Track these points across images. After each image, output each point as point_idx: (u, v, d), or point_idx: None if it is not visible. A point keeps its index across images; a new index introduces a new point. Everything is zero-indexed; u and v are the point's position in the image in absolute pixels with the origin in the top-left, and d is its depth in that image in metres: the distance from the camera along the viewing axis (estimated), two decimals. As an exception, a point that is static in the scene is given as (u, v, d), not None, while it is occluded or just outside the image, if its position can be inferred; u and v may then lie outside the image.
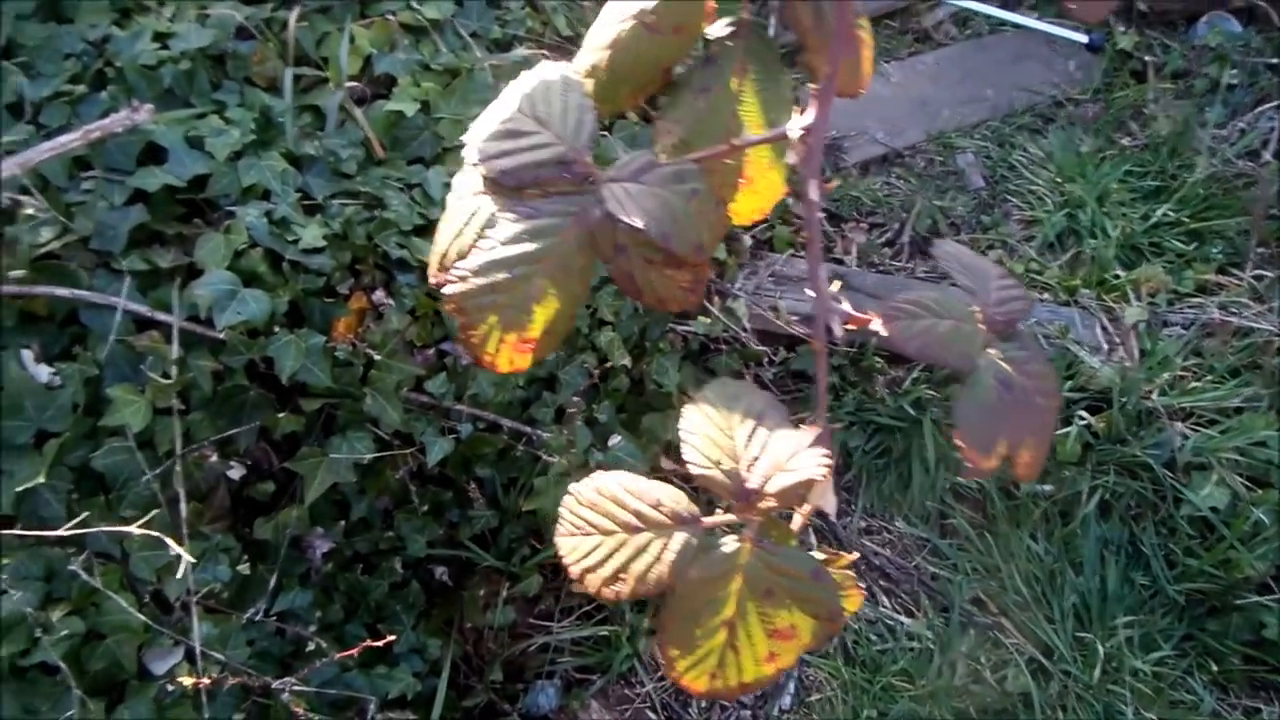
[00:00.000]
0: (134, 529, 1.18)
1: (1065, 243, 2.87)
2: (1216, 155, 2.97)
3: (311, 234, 1.75)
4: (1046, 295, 2.73)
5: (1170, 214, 2.85)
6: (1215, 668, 2.23)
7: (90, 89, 1.82)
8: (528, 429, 1.96)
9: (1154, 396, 2.45)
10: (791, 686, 2.26)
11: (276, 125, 1.90)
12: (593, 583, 0.55)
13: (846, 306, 0.57)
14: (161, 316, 1.64)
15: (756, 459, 0.56)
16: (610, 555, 0.55)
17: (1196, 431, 2.41)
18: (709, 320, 2.28)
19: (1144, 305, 2.63)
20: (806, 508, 0.57)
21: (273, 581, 1.67)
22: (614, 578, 0.54)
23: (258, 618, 1.62)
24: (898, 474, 2.51)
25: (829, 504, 0.58)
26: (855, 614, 2.35)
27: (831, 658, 2.28)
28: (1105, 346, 2.57)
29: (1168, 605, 2.32)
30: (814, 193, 0.53)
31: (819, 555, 0.61)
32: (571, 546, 0.57)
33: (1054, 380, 0.61)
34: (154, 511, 1.58)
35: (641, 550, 0.54)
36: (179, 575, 1.30)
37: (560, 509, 0.58)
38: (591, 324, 2.09)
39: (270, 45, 2.01)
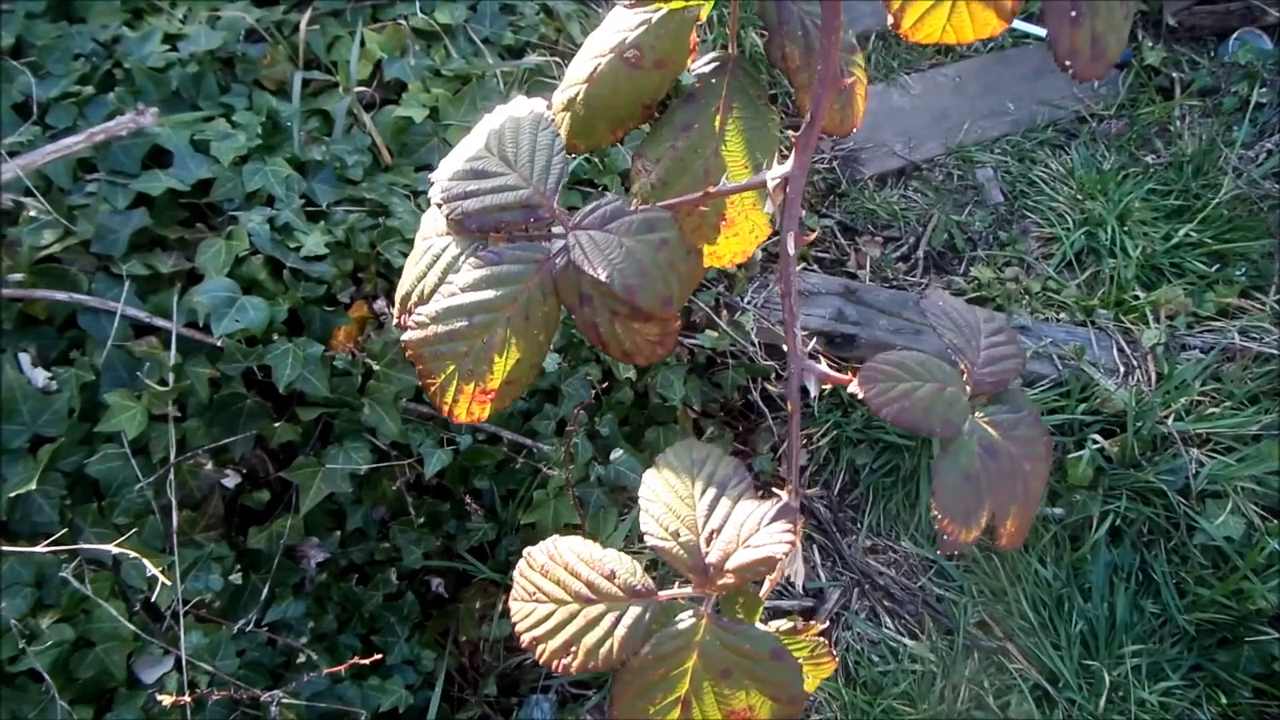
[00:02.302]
0: (112, 547, 1.17)
1: (1084, 261, 2.82)
2: (1242, 175, 2.90)
3: (314, 241, 1.73)
4: (1063, 315, 2.69)
5: (1193, 234, 2.79)
6: (1224, 700, 2.18)
7: (98, 90, 1.81)
8: (528, 441, 1.94)
9: (1170, 421, 2.39)
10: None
11: (284, 130, 1.89)
12: (542, 653, 0.52)
13: (823, 365, 0.54)
14: (160, 322, 1.63)
15: (717, 531, 0.53)
16: (561, 626, 0.52)
17: (1212, 459, 2.36)
18: (716, 334, 2.25)
19: (1163, 327, 2.58)
20: (774, 575, 0.54)
21: (265, 591, 1.65)
22: (564, 650, 0.52)
23: (249, 628, 1.61)
24: (905, 493, 2.47)
25: (797, 574, 0.55)
26: (858, 634, 2.32)
27: (832, 679, 2.24)
28: (1121, 369, 2.52)
29: (1177, 635, 2.27)
30: (791, 247, 0.50)
31: (785, 624, 0.58)
32: (523, 613, 0.54)
33: (1044, 444, 0.58)
34: (147, 519, 1.57)
35: (593, 623, 0.52)
36: (157, 589, 1.29)
37: (514, 572, 0.56)
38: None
39: (280, 48, 2.00)
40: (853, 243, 2.83)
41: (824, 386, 0.55)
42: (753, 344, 2.32)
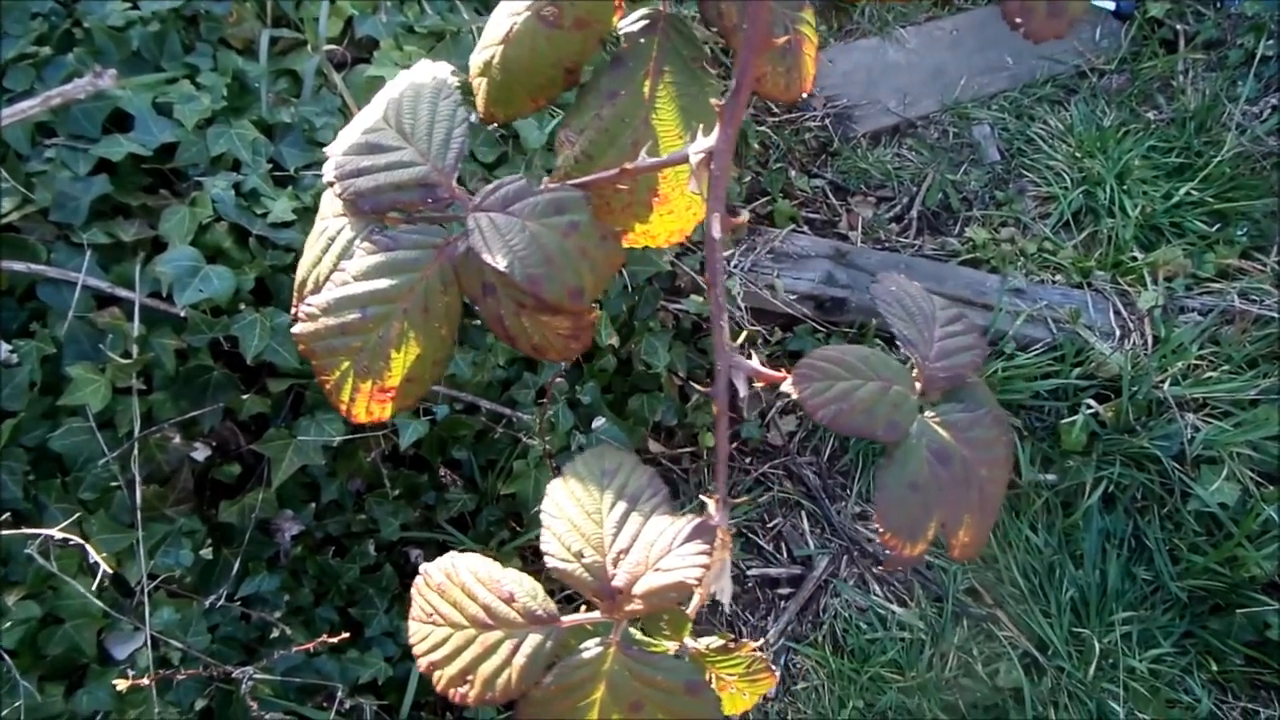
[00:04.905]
0: (55, 531, 1.13)
1: (1082, 221, 2.76)
2: (1246, 132, 2.83)
3: (281, 207, 1.68)
4: (1059, 277, 2.63)
5: (1194, 193, 2.72)
6: (1215, 667, 2.17)
7: (56, 51, 1.74)
8: (507, 410, 1.90)
9: (1166, 386, 2.35)
10: (777, 674, 2.21)
11: (250, 91, 1.82)
12: (439, 680, 0.48)
13: (755, 362, 0.50)
14: (123, 293, 1.58)
15: (625, 552, 0.49)
16: (458, 652, 0.48)
17: (1208, 424, 2.32)
18: (701, 299, 2.20)
19: (1161, 289, 2.53)
20: (702, 592, 0.50)
21: (237, 565, 1.63)
22: (460, 678, 0.47)
23: (221, 603, 1.58)
24: (896, 459, 2.44)
25: (723, 592, 0.51)
26: (846, 601, 2.30)
27: (819, 646, 2.23)
28: (1118, 332, 2.47)
29: (1169, 602, 2.25)
30: (716, 230, 0.46)
31: (716, 642, 0.54)
32: (420, 635, 0.50)
33: (1005, 444, 0.53)
34: (113, 494, 1.54)
35: (490, 650, 0.47)
36: (100, 573, 1.25)
37: (413, 589, 0.52)
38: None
39: (247, 5, 1.93)
40: (844, 203, 2.77)
41: (756, 385, 0.51)
42: (739, 308, 2.27)
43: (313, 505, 1.76)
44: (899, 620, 2.26)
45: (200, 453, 1.64)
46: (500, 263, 0.45)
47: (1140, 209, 2.69)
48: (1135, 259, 2.61)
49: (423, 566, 0.52)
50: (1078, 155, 2.83)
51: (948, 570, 2.32)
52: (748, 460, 2.45)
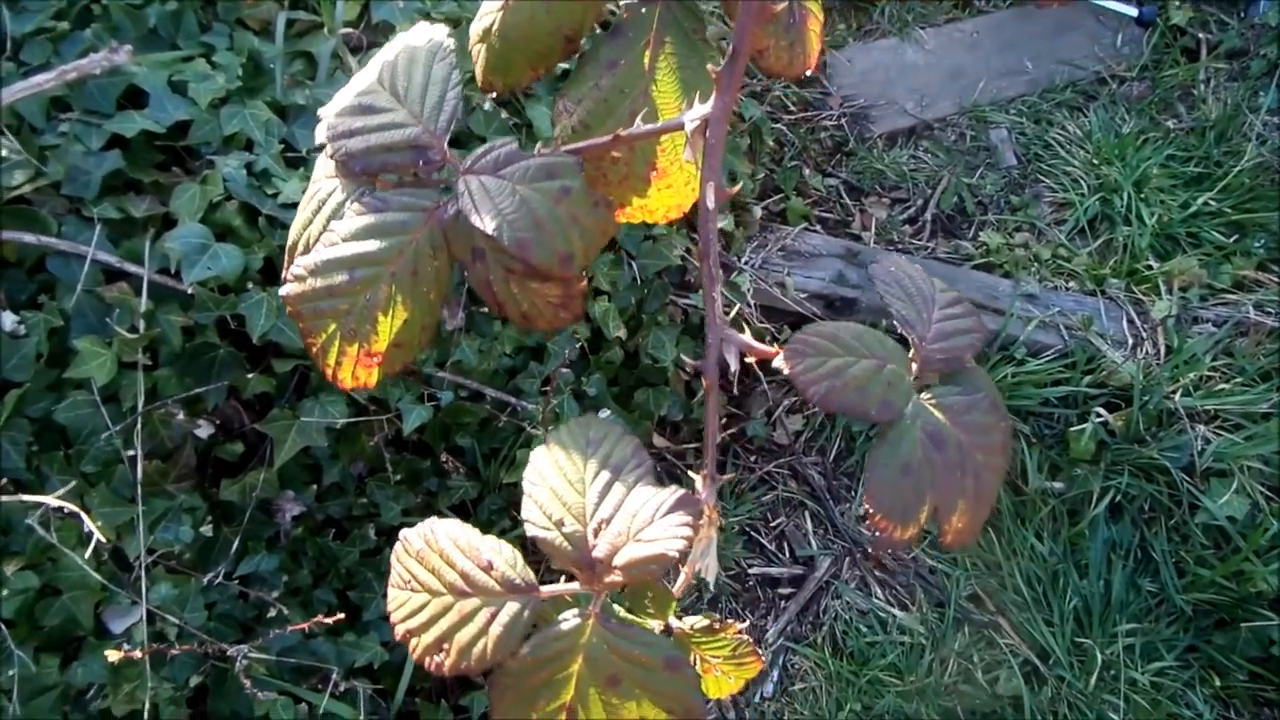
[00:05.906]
0: (51, 499, 1.14)
1: (1097, 229, 2.74)
2: (1266, 143, 2.80)
3: (292, 188, 1.68)
4: (1073, 284, 2.61)
5: (1211, 203, 2.70)
6: (1218, 682, 2.14)
7: (74, 26, 1.75)
8: (512, 399, 1.90)
9: (1177, 397, 2.33)
10: (775, 674, 2.20)
11: (265, 72, 1.83)
12: (416, 648, 0.47)
13: (746, 336, 0.49)
14: (132, 268, 1.58)
15: (606, 522, 0.48)
16: (435, 619, 0.47)
17: (1219, 436, 2.30)
18: (710, 294, 2.19)
19: (1175, 299, 2.50)
20: (686, 569, 0.49)
21: (237, 544, 1.63)
22: (437, 646, 0.47)
23: (219, 581, 1.58)
24: (901, 462, 2.42)
25: (708, 570, 0.50)
26: (847, 603, 2.29)
27: (819, 647, 2.22)
28: (1130, 341, 2.45)
29: (1174, 614, 2.23)
30: (711, 199, 0.45)
31: (701, 622, 0.53)
32: (398, 602, 0.49)
33: (1002, 431, 0.51)
34: (115, 468, 1.54)
35: (467, 618, 0.47)
36: (92, 545, 1.25)
37: (392, 555, 0.51)
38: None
39: (265, -13, 1.93)
40: (858, 203, 2.76)
41: (748, 359, 0.50)
42: (749, 305, 2.26)
43: (314, 487, 1.76)
44: (900, 624, 2.25)
45: (204, 430, 1.65)
46: (489, 226, 0.45)
47: (1157, 218, 2.66)
48: (1150, 268, 2.58)
49: (403, 533, 0.51)
50: (1095, 162, 2.81)
51: (950, 575, 2.30)
52: (752, 459, 2.44)
